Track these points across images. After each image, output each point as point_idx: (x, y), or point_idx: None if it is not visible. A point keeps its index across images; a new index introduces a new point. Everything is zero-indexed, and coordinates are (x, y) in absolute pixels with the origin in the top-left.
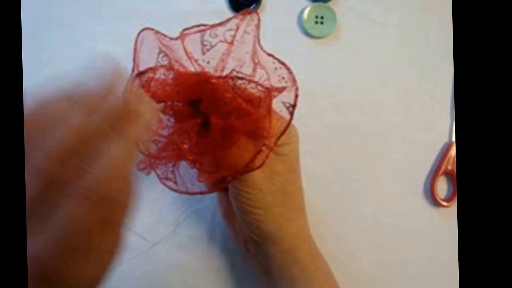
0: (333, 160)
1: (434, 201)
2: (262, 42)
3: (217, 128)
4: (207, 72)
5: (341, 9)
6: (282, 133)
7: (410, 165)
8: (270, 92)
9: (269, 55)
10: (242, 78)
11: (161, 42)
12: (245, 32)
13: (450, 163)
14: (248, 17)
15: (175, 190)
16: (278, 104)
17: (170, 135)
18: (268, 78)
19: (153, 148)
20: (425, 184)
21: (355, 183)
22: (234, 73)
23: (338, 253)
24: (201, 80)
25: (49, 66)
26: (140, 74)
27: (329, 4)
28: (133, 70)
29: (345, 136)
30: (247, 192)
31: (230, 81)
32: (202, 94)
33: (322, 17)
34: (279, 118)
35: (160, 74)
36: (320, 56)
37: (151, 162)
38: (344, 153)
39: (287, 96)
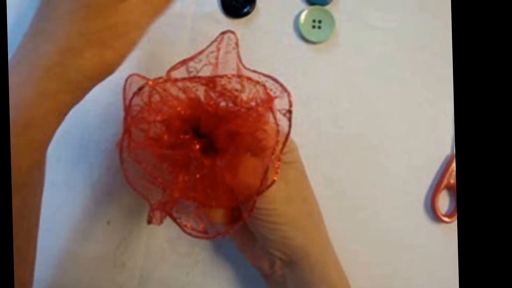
0: (330, 172)
1: (435, 216)
2: (257, 46)
3: (223, 138)
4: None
5: (339, 13)
6: (286, 140)
7: (410, 178)
8: (268, 95)
9: (253, 71)
10: (232, 90)
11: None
12: (226, 52)
13: (453, 176)
14: (226, 38)
15: (206, 238)
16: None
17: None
18: (257, 90)
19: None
20: (426, 198)
21: (353, 197)
22: (225, 91)
23: None
24: (195, 104)
25: None
26: (137, 92)
27: (327, 7)
28: (125, 114)
29: (343, 147)
30: (268, 208)
31: (223, 99)
32: (199, 115)
33: (319, 21)
34: (277, 128)
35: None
36: (317, 62)
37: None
38: (341, 165)
39: (280, 104)
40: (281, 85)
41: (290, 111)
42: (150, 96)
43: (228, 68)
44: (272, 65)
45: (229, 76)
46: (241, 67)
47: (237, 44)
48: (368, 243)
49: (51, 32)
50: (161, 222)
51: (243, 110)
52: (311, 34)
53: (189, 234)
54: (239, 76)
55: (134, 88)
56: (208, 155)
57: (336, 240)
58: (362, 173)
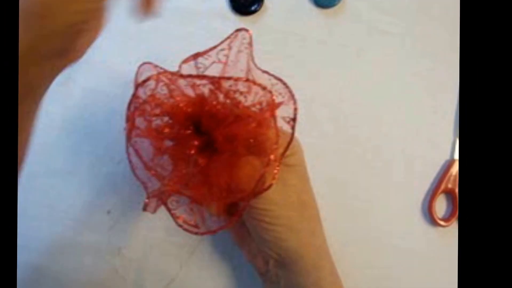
0: (330, 173)
1: (432, 220)
2: (263, 45)
3: (221, 140)
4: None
5: (347, 16)
6: (288, 145)
7: (409, 182)
8: (273, 102)
9: (264, 72)
10: (238, 92)
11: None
12: (238, 51)
13: (451, 181)
14: (239, 36)
15: (196, 233)
16: (278, 120)
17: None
18: (264, 95)
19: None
20: (424, 201)
21: (352, 198)
22: (231, 93)
23: None
24: (199, 102)
25: None
26: (141, 84)
27: (335, 8)
28: (131, 102)
29: (343, 149)
30: (264, 209)
31: (227, 100)
32: (201, 113)
33: None
34: (280, 132)
35: (159, 89)
36: (322, 63)
37: (161, 196)
38: (340, 167)
39: (286, 111)
40: (290, 91)
41: (294, 119)
42: (154, 89)
43: (238, 67)
44: (277, 64)
45: (235, 78)
46: (252, 66)
47: (250, 43)
48: (364, 245)
49: None
50: (155, 211)
51: (244, 115)
52: None
53: (180, 226)
54: (246, 80)
55: (144, 77)
56: (205, 153)
57: (333, 242)
58: (361, 175)
